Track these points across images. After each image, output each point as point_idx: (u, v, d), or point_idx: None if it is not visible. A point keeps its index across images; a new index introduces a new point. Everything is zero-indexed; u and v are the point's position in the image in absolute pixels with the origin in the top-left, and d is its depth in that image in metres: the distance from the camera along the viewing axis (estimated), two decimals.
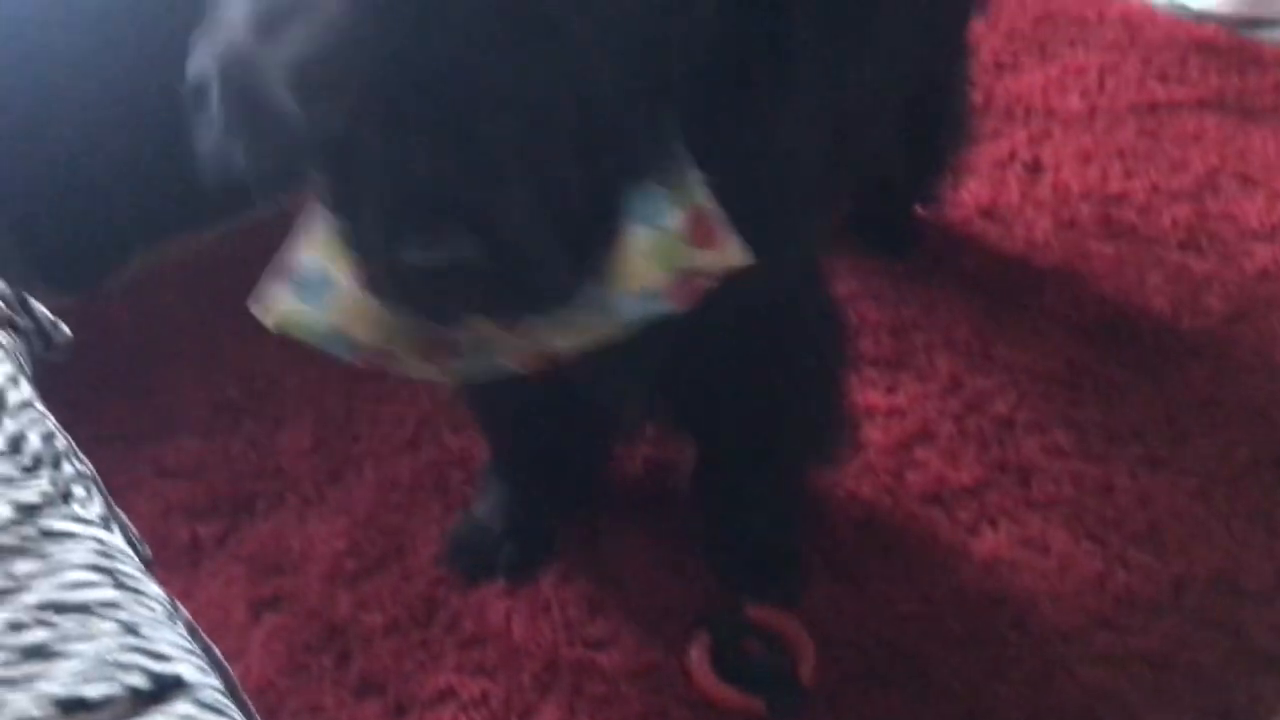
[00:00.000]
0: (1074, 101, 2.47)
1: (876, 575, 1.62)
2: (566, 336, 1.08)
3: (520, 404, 1.47)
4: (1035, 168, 2.30)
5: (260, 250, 2.12)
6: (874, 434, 1.77)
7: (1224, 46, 2.62)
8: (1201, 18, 2.74)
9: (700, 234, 1.03)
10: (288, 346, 1.93)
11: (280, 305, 1.12)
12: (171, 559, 1.64)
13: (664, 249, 1.03)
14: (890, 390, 1.85)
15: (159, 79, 1.99)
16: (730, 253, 1.04)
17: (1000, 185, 2.26)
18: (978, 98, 2.47)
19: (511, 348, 1.09)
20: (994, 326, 1.96)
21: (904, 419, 1.81)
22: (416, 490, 1.75)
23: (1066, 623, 1.56)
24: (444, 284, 0.96)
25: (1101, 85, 2.51)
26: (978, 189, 2.25)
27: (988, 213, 2.20)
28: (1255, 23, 2.71)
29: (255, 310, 1.15)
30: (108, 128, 2.01)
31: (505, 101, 0.90)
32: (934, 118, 1.92)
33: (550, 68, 0.90)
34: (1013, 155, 2.34)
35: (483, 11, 0.88)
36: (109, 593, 0.92)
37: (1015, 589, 1.61)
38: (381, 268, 0.98)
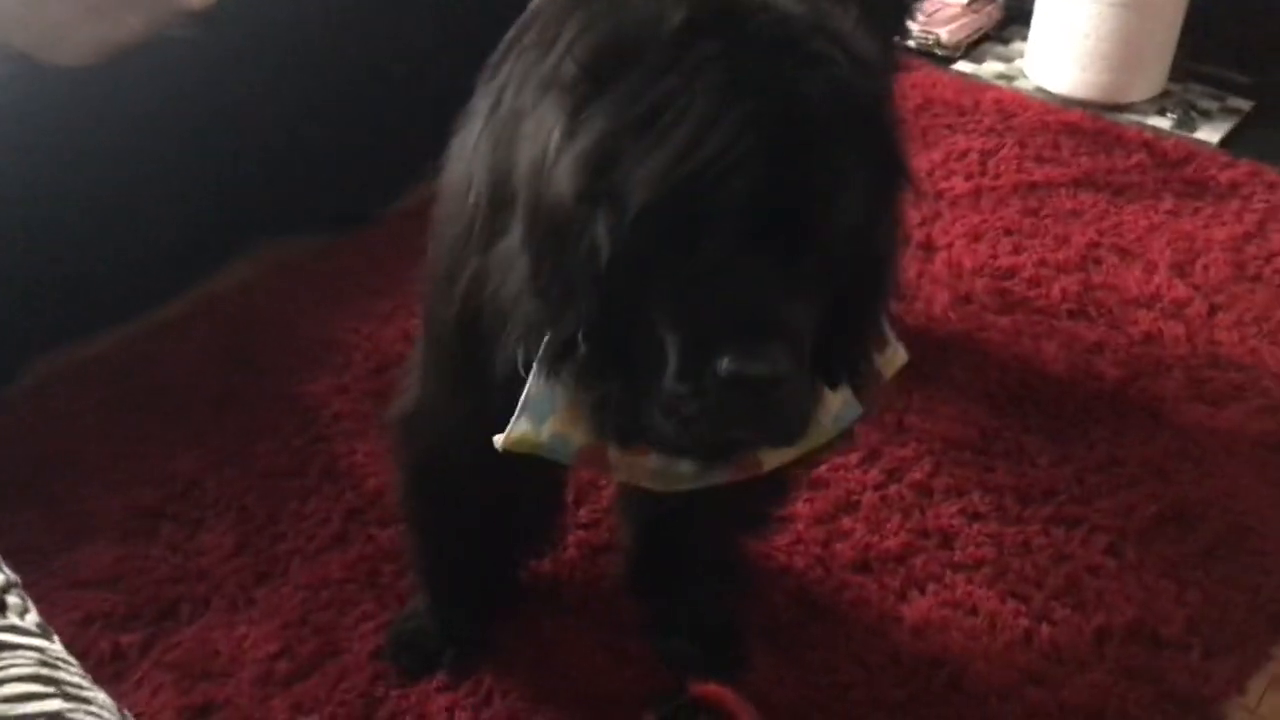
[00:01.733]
0: (959, 183, 2.60)
1: (814, 644, 1.65)
2: (775, 455, 1.18)
3: (468, 506, 1.47)
4: (930, 246, 2.42)
5: (166, 349, 2.13)
6: (801, 507, 1.81)
7: (1090, 129, 2.80)
8: (1068, 103, 2.93)
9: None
10: (206, 446, 1.94)
11: (515, 432, 1.15)
12: (93, 671, 1.54)
13: None
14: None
15: (56, 184, 2.00)
16: (896, 355, 1.21)
17: None
18: None
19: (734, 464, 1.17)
20: (905, 398, 2.03)
21: (829, 490, 1.86)
22: (347, 587, 1.72)
23: (1000, 680, 1.61)
24: (745, 401, 0.97)
25: (984, 167, 2.66)
26: None
27: None
28: (1115, 107, 2.92)
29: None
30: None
31: (850, 240, 0.98)
32: None
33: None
34: (907, 235, 2.44)
35: (837, 147, 0.96)
36: (56, 704, 0.88)
37: (948, 650, 1.65)
38: (688, 389, 0.98)
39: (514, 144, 1.05)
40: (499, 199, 1.07)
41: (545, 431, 1.14)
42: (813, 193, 0.95)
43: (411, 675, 1.59)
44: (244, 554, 1.76)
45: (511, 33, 1.18)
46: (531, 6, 1.18)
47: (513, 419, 1.14)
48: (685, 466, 1.16)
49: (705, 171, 0.91)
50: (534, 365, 1.10)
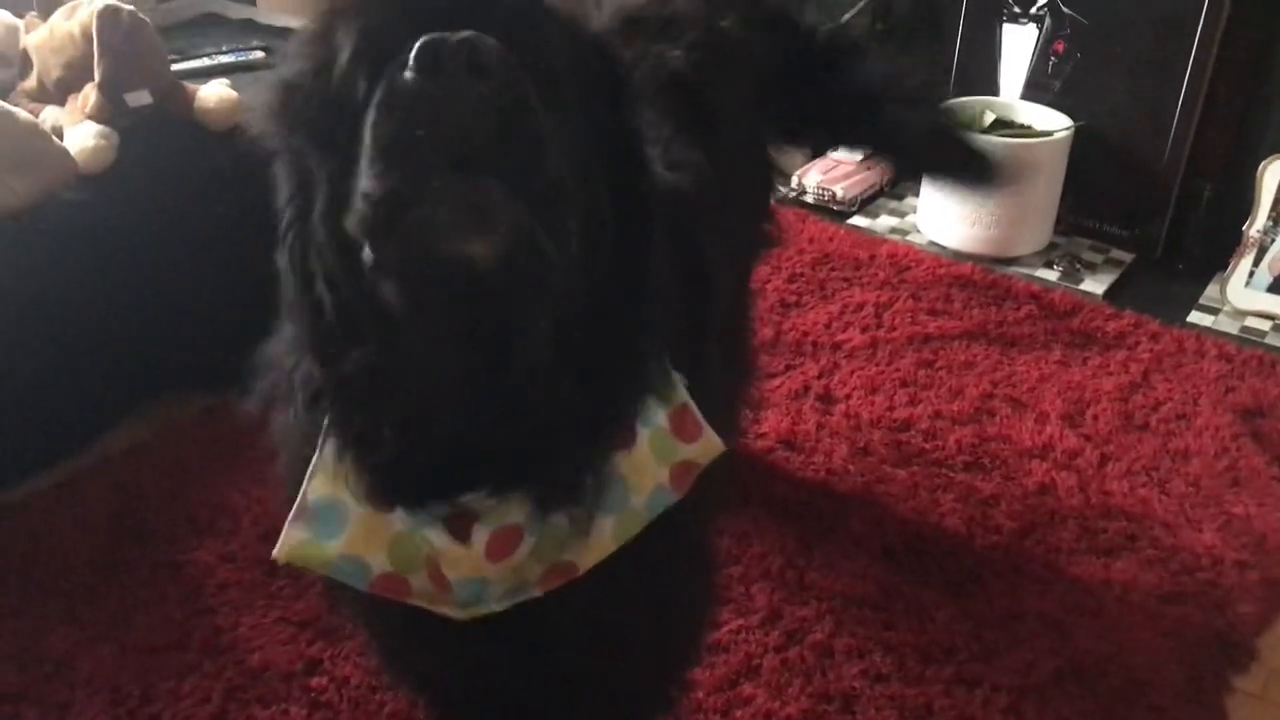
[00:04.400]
0: (856, 335, 2.66)
1: None
2: (591, 551, 1.13)
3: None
4: (829, 398, 2.45)
5: (47, 516, 2.05)
6: (701, 673, 1.77)
7: (981, 282, 2.90)
8: (959, 256, 3.03)
9: (685, 429, 1.15)
10: (80, 621, 1.84)
11: (291, 540, 1.10)
12: None
13: (660, 445, 1.14)
14: (712, 626, 1.86)
15: None
16: (709, 444, 1.16)
17: (797, 416, 2.38)
18: (769, 334, 2.64)
19: (539, 571, 1.12)
20: (806, 554, 2.02)
21: (728, 655, 1.82)
22: None
23: None
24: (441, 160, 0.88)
25: (879, 320, 2.72)
26: (777, 420, 2.36)
27: (788, 442, 2.31)
28: (1004, 260, 3.02)
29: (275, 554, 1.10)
30: None
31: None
32: None
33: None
34: (806, 387, 2.48)
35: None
36: None
37: None
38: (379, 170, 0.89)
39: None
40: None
41: (333, 549, 1.09)
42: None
43: None
44: None
45: None
46: None
47: (286, 522, 1.09)
48: (494, 581, 1.11)
49: None
50: (310, 463, 1.08)
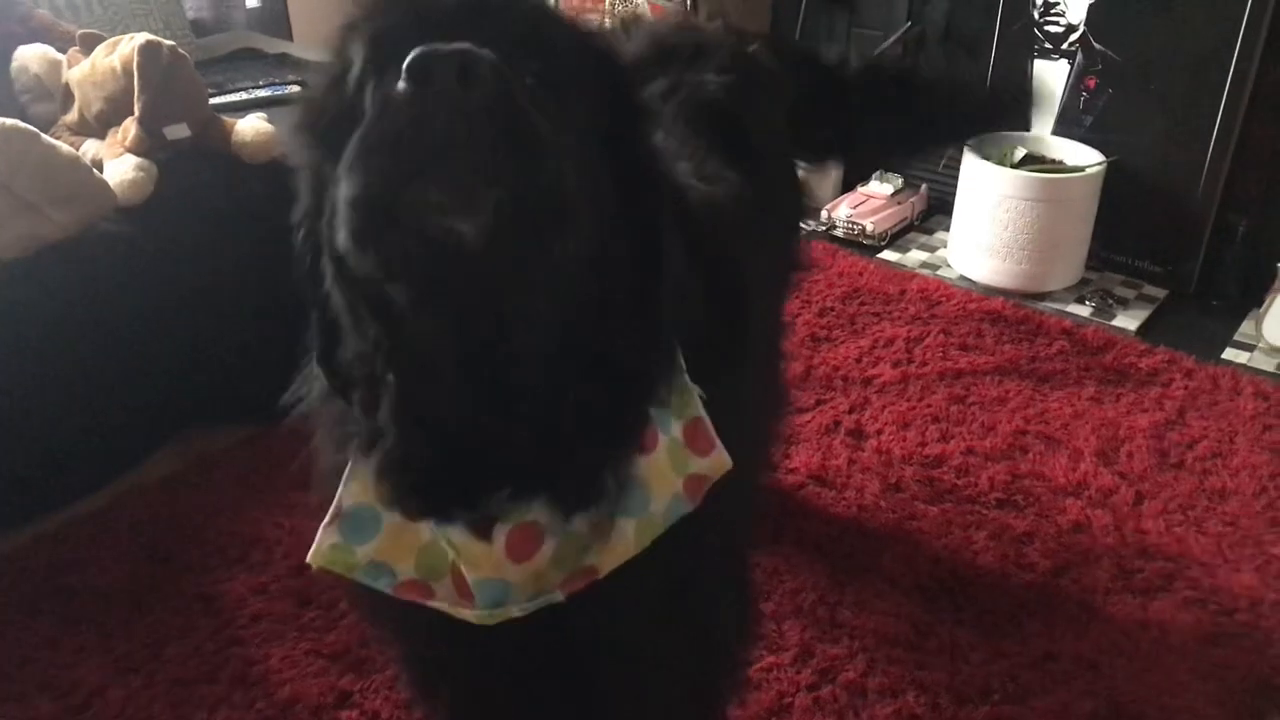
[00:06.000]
0: (887, 370, 2.64)
1: None
2: (613, 554, 1.12)
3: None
4: (859, 434, 2.43)
5: (80, 548, 2.06)
6: (732, 712, 1.75)
7: (1011, 318, 2.88)
8: (989, 291, 3.02)
9: (696, 442, 1.15)
10: (113, 652, 1.85)
11: (325, 545, 1.12)
12: None
13: (675, 455, 1.14)
14: (750, 661, 1.85)
15: None
16: (719, 460, 1.16)
17: (828, 451, 2.37)
18: (799, 369, 2.63)
19: (560, 577, 1.12)
20: (838, 591, 2.00)
21: (759, 692, 1.81)
22: None
23: None
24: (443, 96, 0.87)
25: (910, 355, 2.71)
26: (808, 455, 2.35)
27: (819, 478, 2.30)
28: (1036, 295, 3.01)
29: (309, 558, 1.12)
30: None
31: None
32: None
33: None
34: (837, 423, 2.47)
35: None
36: None
37: None
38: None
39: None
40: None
41: (362, 554, 1.11)
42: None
43: None
44: None
45: None
46: None
47: (321, 527, 1.11)
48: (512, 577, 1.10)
49: None
50: (346, 468, 1.09)
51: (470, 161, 0.87)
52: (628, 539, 1.13)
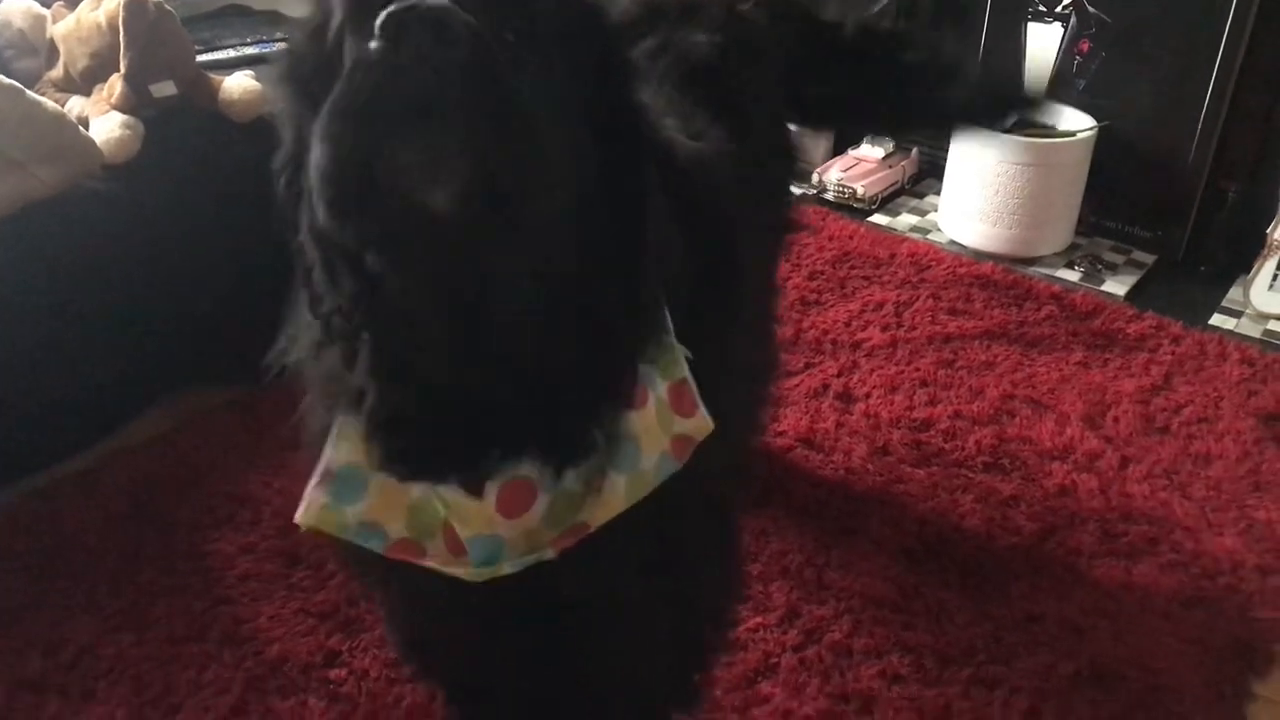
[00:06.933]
0: (876, 334, 2.65)
1: None
2: (604, 509, 1.13)
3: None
4: (847, 397, 2.44)
5: (69, 506, 2.06)
6: (719, 670, 1.77)
7: (1001, 282, 2.89)
8: (979, 256, 3.02)
9: (681, 404, 1.16)
10: (102, 610, 1.85)
11: (315, 506, 1.12)
12: None
13: (662, 414, 1.15)
14: (736, 620, 1.86)
15: None
16: (702, 422, 1.17)
17: (816, 414, 2.38)
18: (788, 332, 2.63)
19: (552, 536, 1.13)
20: (825, 553, 2.01)
21: (745, 652, 1.82)
22: None
23: None
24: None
25: (899, 319, 2.71)
26: (796, 418, 2.36)
27: (807, 441, 2.30)
28: (1025, 260, 3.01)
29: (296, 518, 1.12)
30: None
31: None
32: None
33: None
34: (825, 386, 2.47)
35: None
36: None
37: None
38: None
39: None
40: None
41: (352, 515, 1.11)
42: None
43: None
44: None
45: None
46: None
47: (308, 488, 1.11)
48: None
49: None
50: (331, 428, 1.09)
51: (445, 127, 0.85)
52: (619, 493, 1.13)
